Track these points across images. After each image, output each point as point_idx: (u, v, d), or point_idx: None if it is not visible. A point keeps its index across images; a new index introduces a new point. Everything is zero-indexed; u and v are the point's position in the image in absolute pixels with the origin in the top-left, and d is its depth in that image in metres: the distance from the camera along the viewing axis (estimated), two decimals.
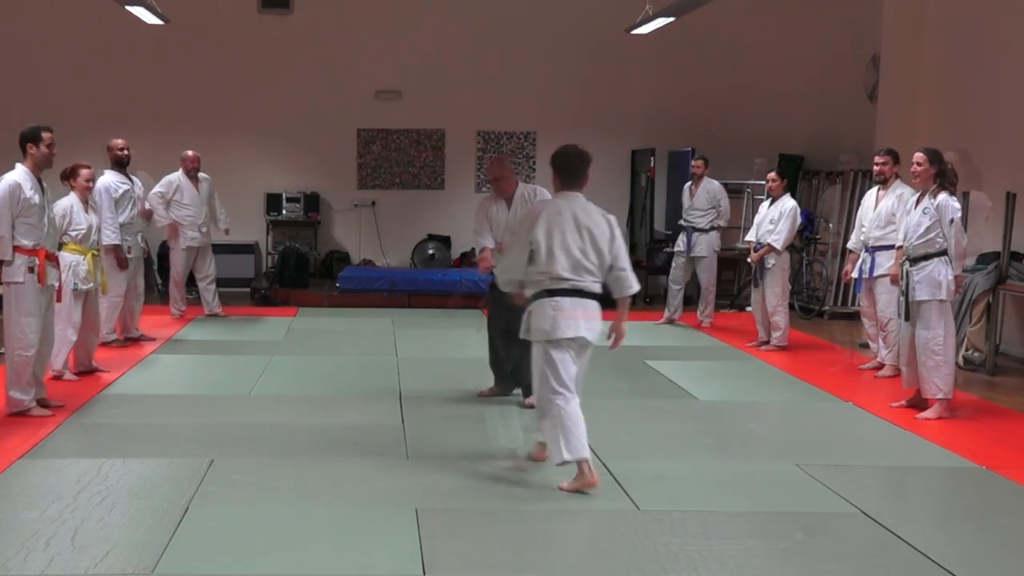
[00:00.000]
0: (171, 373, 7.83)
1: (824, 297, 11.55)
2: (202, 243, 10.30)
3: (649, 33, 11.50)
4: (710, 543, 4.39)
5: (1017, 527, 4.72)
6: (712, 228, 10.28)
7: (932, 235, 6.70)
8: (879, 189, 8.15)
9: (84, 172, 7.46)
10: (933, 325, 6.71)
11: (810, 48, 13.42)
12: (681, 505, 4.87)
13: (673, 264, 10.59)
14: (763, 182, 10.53)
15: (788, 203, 9.11)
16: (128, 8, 10.45)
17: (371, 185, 13.57)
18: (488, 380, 7.04)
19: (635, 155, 13.60)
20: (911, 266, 6.80)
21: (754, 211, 10.43)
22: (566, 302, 5.15)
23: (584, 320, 5.16)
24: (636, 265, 13.37)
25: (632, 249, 13.69)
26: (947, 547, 4.43)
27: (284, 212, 13.19)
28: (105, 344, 8.22)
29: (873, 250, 8.06)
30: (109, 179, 8.41)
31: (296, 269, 12.44)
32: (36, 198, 6.26)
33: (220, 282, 13.17)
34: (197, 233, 10.20)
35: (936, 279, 6.69)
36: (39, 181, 6.34)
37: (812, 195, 12.72)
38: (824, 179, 12.51)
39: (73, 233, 7.30)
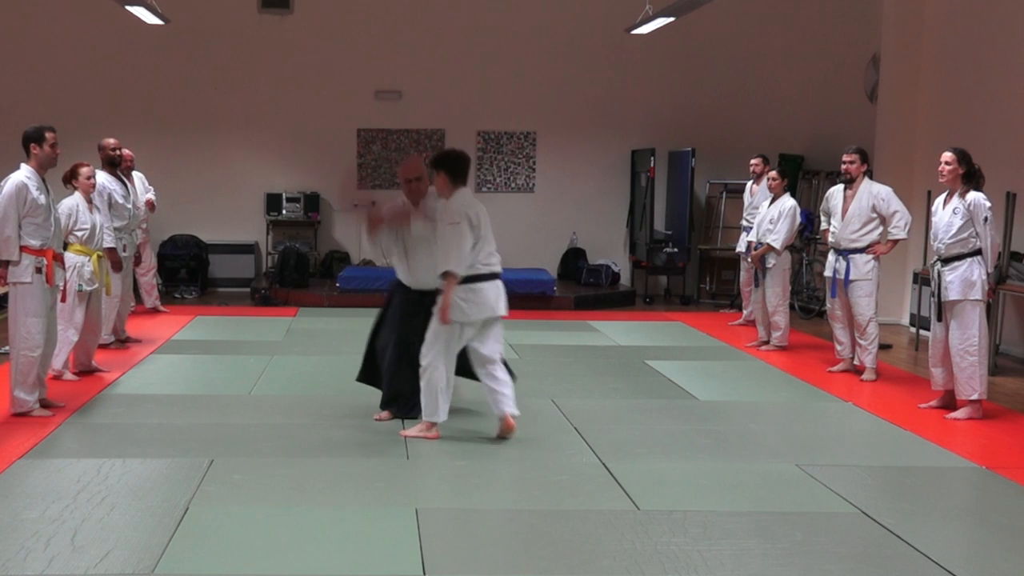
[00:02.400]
0: (171, 373, 7.83)
1: (824, 297, 11.54)
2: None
3: (649, 33, 11.51)
4: (710, 543, 4.39)
5: (1017, 527, 4.72)
6: None
7: (965, 235, 6.68)
8: (846, 188, 8.03)
9: (84, 170, 7.46)
10: (967, 326, 6.70)
11: (810, 48, 13.43)
12: (681, 505, 4.87)
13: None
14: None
15: (788, 202, 9.09)
16: (128, 8, 10.45)
17: (371, 185, 13.57)
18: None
19: (635, 155, 13.61)
20: (943, 266, 6.78)
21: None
22: (484, 287, 5.83)
23: (496, 300, 5.90)
24: (636, 265, 13.48)
25: (632, 249, 13.71)
26: (947, 547, 4.43)
27: (284, 212, 13.19)
28: (103, 346, 8.20)
29: (847, 253, 7.92)
30: (101, 179, 8.34)
31: (296, 269, 12.44)
32: (42, 198, 6.26)
33: (220, 282, 13.28)
34: None
35: (970, 279, 6.67)
36: (43, 181, 6.35)
37: (812, 195, 12.72)
38: (824, 179, 12.52)
39: (79, 233, 7.29)
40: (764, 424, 6.57)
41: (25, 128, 6.40)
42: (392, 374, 6.32)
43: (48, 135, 6.33)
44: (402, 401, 6.32)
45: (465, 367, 6.09)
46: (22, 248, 6.20)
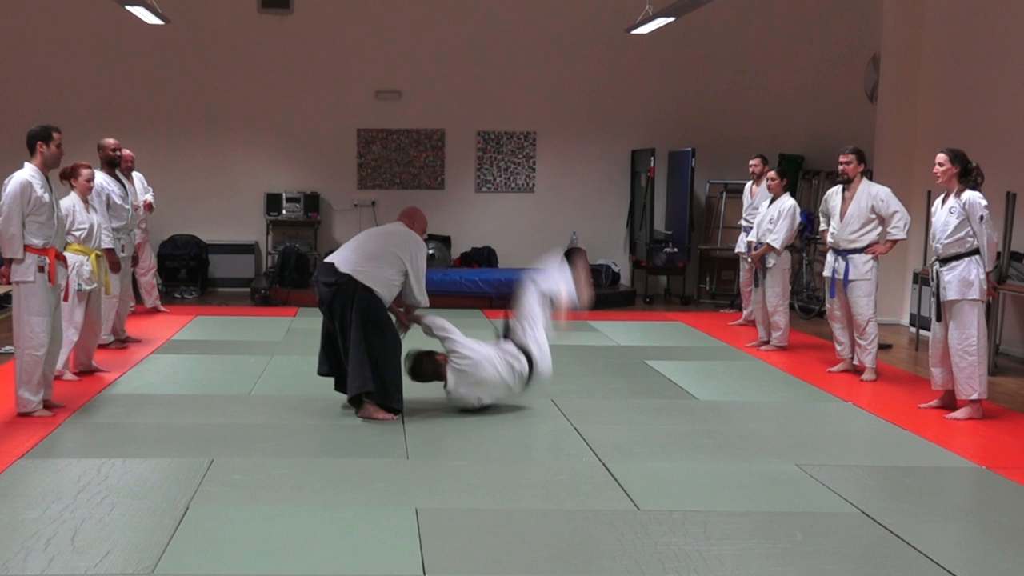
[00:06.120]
0: (171, 373, 7.83)
1: (824, 297, 11.53)
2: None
3: (649, 33, 11.51)
4: (710, 543, 4.39)
5: (1017, 527, 4.72)
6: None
7: (962, 234, 6.67)
8: (844, 189, 8.03)
9: (85, 172, 7.47)
10: (966, 325, 6.68)
11: (810, 48, 13.43)
12: (681, 505, 4.87)
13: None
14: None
15: (787, 202, 9.09)
16: (128, 8, 10.45)
17: (371, 185, 13.58)
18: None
19: (635, 155, 13.61)
20: (941, 266, 6.78)
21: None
22: None
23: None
24: (636, 265, 13.48)
25: (632, 249, 13.72)
26: (947, 547, 4.44)
27: (284, 212, 13.20)
28: (103, 346, 8.20)
29: (846, 253, 7.92)
30: (99, 180, 8.29)
31: (296, 269, 12.44)
32: (46, 196, 6.27)
33: (220, 282, 13.28)
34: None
35: (968, 279, 6.65)
36: (47, 179, 6.36)
37: (812, 195, 12.73)
38: (824, 179, 12.52)
39: (77, 233, 7.30)
40: (764, 424, 6.57)
41: (30, 127, 6.40)
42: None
43: (55, 135, 6.35)
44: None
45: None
46: (25, 247, 6.20)
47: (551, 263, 6.87)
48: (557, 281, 6.72)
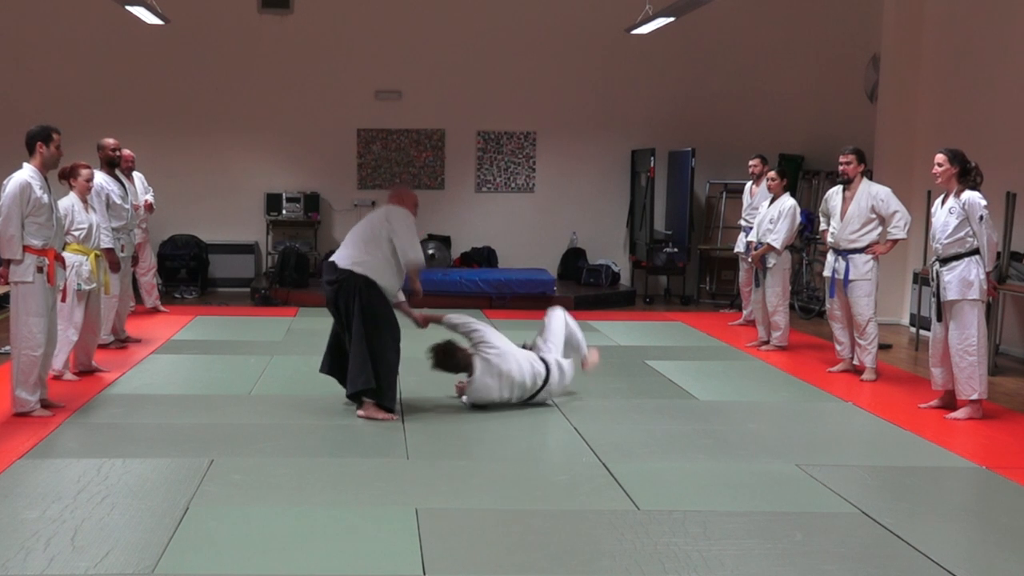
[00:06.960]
0: (171, 373, 7.83)
1: (824, 297, 11.52)
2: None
3: (649, 33, 11.52)
4: (710, 543, 4.39)
5: (1017, 527, 4.72)
6: None
7: (962, 234, 6.67)
8: (845, 189, 8.03)
9: (84, 172, 7.47)
10: (966, 325, 6.68)
11: (810, 48, 13.43)
12: (681, 505, 4.87)
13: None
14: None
15: (787, 202, 9.09)
16: (128, 8, 10.45)
17: (371, 185, 13.58)
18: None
19: (635, 155, 13.61)
20: (941, 266, 6.78)
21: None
22: None
23: None
24: (636, 265, 13.48)
25: (632, 249, 13.72)
26: (947, 547, 4.44)
27: (284, 212, 13.20)
28: (103, 346, 8.20)
29: (846, 253, 7.92)
30: (99, 180, 8.25)
31: (296, 269, 12.44)
32: (45, 197, 6.27)
33: (220, 282, 13.28)
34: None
35: (967, 279, 6.65)
36: (46, 180, 6.36)
37: (812, 195, 12.73)
38: (824, 179, 12.52)
39: (76, 233, 7.30)
40: (764, 424, 6.56)
41: (30, 128, 6.40)
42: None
43: (55, 136, 6.35)
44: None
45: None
46: (24, 247, 6.21)
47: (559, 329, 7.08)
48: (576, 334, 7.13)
